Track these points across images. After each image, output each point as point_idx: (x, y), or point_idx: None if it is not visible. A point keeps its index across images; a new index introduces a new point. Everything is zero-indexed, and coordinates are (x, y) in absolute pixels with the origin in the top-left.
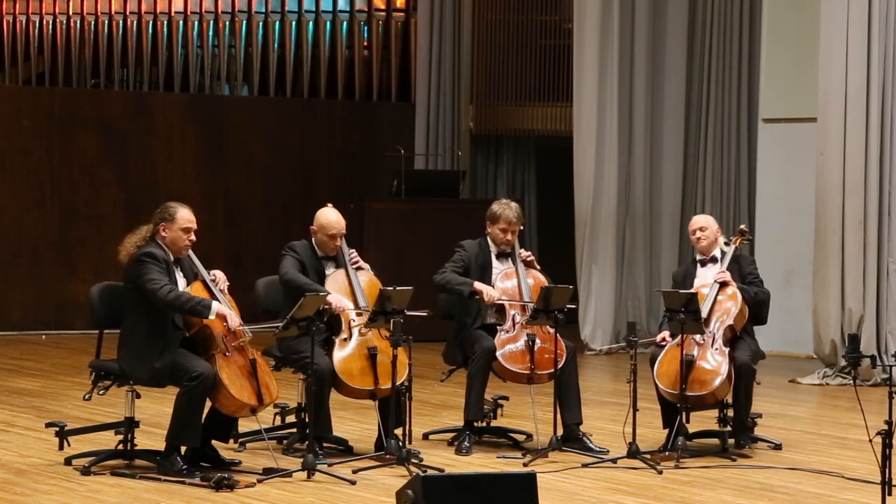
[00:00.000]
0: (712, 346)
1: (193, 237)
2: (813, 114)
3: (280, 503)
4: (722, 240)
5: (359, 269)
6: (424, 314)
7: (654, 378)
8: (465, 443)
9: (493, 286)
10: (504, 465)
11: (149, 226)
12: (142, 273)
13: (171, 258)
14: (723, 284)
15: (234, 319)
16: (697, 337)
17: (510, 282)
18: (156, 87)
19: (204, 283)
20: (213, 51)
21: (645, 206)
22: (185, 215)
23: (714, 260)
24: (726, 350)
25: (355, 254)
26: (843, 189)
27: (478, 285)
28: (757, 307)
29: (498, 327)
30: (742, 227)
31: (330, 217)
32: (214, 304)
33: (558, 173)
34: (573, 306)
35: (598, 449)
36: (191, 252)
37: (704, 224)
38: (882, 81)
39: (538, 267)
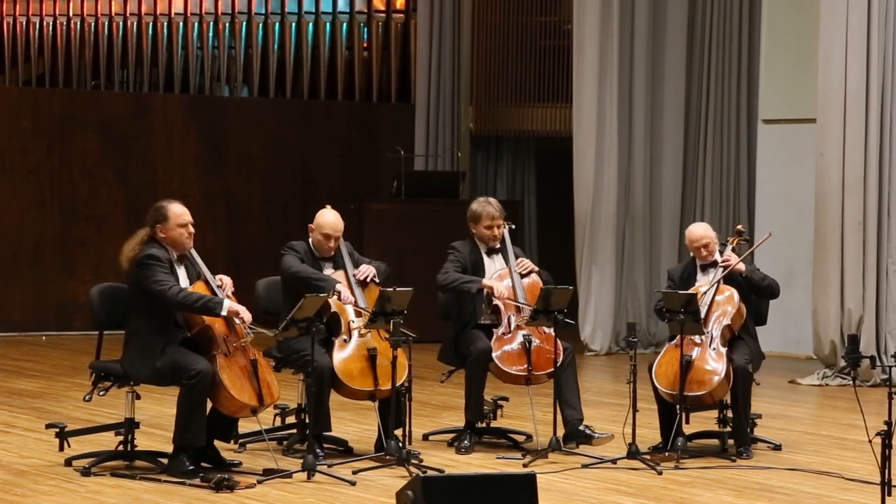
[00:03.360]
0: (710, 345)
1: (192, 229)
2: (813, 114)
3: None
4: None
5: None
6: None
7: (653, 379)
8: (466, 442)
9: None
10: (504, 466)
11: (144, 229)
12: (147, 276)
13: (174, 256)
14: (725, 279)
15: (247, 315)
16: (696, 337)
17: (504, 282)
18: (156, 88)
19: (206, 282)
20: (213, 52)
21: (645, 206)
22: (176, 211)
23: (714, 263)
24: (724, 350)
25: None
26: (842, 189)
27: (486, 281)
28: (768, 291)
29: (493, 329)
30: (739, 227)
31: (327, 217)
32: (226, 300)
33: (558, 174)
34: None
35: (603, 434)
36: (193, 251)
37: (708, 238)
38: (882, 81)
39: (537, 269)
